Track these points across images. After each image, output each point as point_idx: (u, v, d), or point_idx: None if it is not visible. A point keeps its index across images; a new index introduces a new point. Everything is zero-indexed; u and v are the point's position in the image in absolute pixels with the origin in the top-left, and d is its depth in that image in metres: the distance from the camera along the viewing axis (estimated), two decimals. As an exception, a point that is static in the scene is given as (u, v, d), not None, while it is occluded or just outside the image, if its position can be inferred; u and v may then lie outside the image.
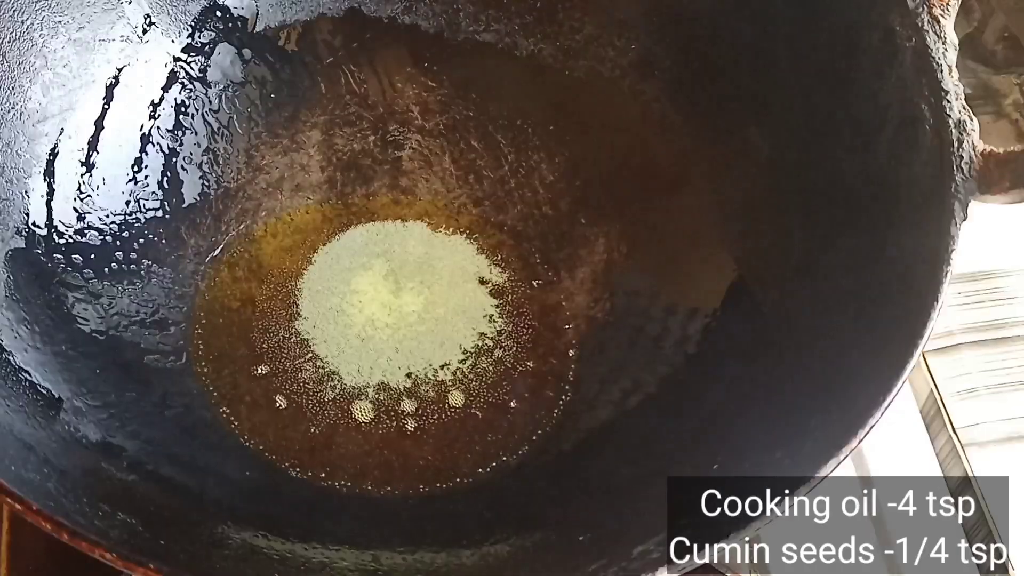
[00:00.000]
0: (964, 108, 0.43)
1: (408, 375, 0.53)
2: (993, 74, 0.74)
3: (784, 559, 0.55)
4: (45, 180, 0.51)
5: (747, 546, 0.55)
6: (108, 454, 0.44)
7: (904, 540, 0.56)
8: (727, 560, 0.52)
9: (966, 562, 0.56)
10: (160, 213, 0.55)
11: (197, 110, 0.56)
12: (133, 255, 0.53)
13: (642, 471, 0.47)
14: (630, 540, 0.40)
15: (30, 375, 0.44)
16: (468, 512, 0.48)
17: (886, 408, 0.38)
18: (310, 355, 0.53)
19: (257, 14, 0.57)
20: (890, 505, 0.57)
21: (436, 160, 0.60)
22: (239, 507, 0.46)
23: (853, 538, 0.56)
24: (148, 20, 0.54)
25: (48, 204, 0.50)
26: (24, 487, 0.36)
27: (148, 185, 0.55)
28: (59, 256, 0.50)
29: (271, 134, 0.58)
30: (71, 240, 0.51)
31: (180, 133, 0.56)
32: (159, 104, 0.55)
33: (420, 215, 0.59)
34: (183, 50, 0.56)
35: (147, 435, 0.47)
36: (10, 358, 0.44)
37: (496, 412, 0.53)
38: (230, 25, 0.57)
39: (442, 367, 0.54)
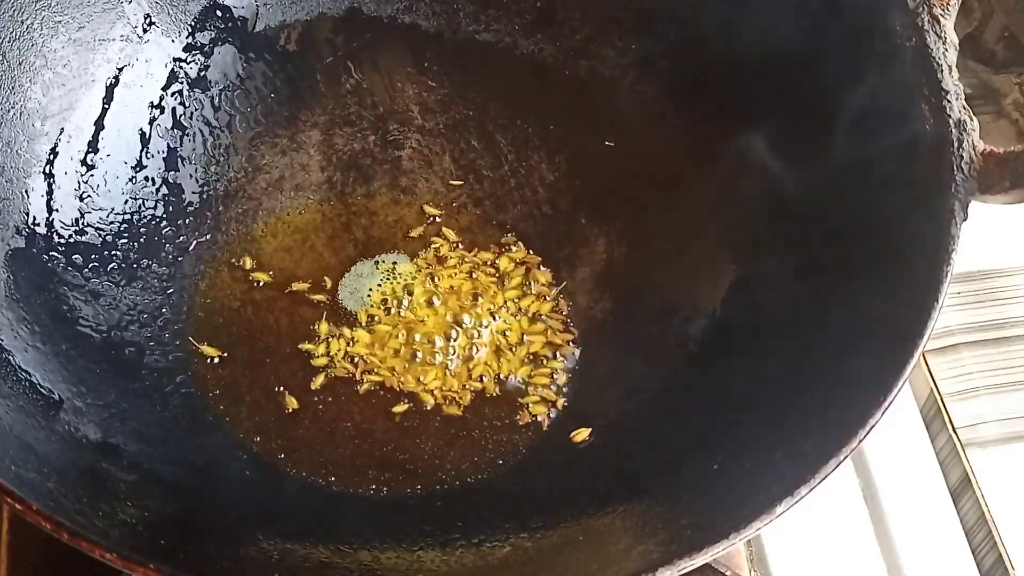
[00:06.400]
0: (964, 108, 0.43)
1: (408, 375, 0.53)
2: (993, 74, 0.74)
3: (784, 559, 0.55)
4: (45, 180, 0.51)
5: (747, 546, 0.55)
6: (108, 454, 0.44)
7: (904, 539, 0.56)
8: (727, 560, 0.52)
9: (966, 562, 0.56)
10: (160, 213, 0.55)
11: (197, 110, 0.56)
12: (133, 255, 0.53)
13: (642, 471, 0.47)
14: (630, 540, 0.40)
15: (30, 375, 0.44)
16: (468, 512, 0.48)
17: (886, 408, 0.38)
18: (311, 355, 0.53)
19: (257, 14, 0.57)
20: (890, 505, 0.57)
21: (436, 160, 0.60)
22: (239, 507, 0.46)
23: (853, 538, 0.56)
24: (148, 20, 0.54)
25: (48, 204, 0.50)
26: (24, 487, 0.36)
27: (148, 185, 0.55)
28: (59, 255, 0.50)
29: (271, 134, 0.58)
30: (71, 239, 0.51)
31: (180, 133, 0.56)
32: (159, 104, 0.55)
33: (420, 215, 0.59)
34: (183, 50, 0.56)
35: (147, 435, 0.47)
36: (10, 358, 0.44)
37: (496, 412, 0.53)
38: (230, 25, 0.57)
39: (443, 367, 0.54)
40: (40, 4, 0.50)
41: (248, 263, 0.56)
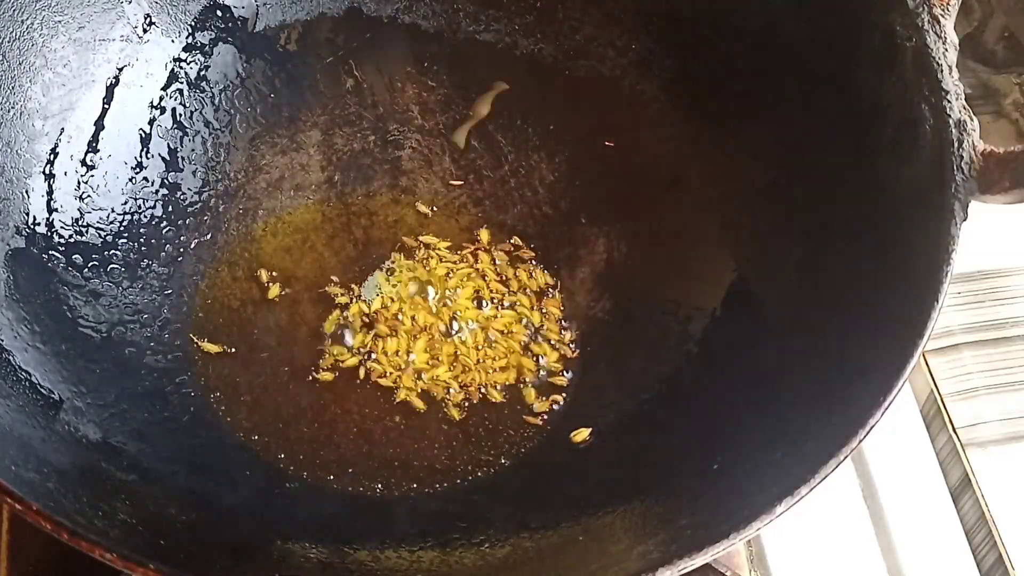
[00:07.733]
0: (964, 108, 0.43)
1: (409, 376, 0.53)
2: (993, 74, 0.74)
3: (784, 559, 0.55)
4: (45, 180, 0.51)
5: (747, 546, 0.55)
6: (108, 454, 0.44)
7: (904, 539, 0.56)
8: (727, 560, 0.52)
9: (966, 562, 0.56)
10: (160, 213, 0.55)
11: (197, 110, 0.56)
12: (133, 255, 0.53)
13: (642, 471, 0.47)
14: (630, 540, 0.40)
15: (30, 375, 0.44)
16: (468, 512, 0.48)
17: (886, 408, 0.38)
18: (311, 354, 0.53)
19: (257, 14, 0.57)
20: (890, 505, 0.57)
21: (436, 160, 0.60)
22: (238, 507, 0.46)
23: (853, 538, 0.56)
24: (148, 20, 0.54)
25: (48, 204, 0.50)
26: (24, 487, 0.36)
27: (148, 185, 0.55)
28: (59, 255, 0.50)
29: (271, 134, 0.58)
30: (71, 239, 0.51)
31: (180, 133, 0.56)
32: (159, 104, 0.55)
33: (420, 215, 0.59)
34: (183, 50, 0.56)
35: (147, 435, 0.47)
36: (10, 358, 0.44)
37: (496, 413, 0.53)
38: (230, 25, 0.57)
39: (443, 367, 0.54)
40: (40, 4, 0.50)
41: (248, 263, 0.56)
